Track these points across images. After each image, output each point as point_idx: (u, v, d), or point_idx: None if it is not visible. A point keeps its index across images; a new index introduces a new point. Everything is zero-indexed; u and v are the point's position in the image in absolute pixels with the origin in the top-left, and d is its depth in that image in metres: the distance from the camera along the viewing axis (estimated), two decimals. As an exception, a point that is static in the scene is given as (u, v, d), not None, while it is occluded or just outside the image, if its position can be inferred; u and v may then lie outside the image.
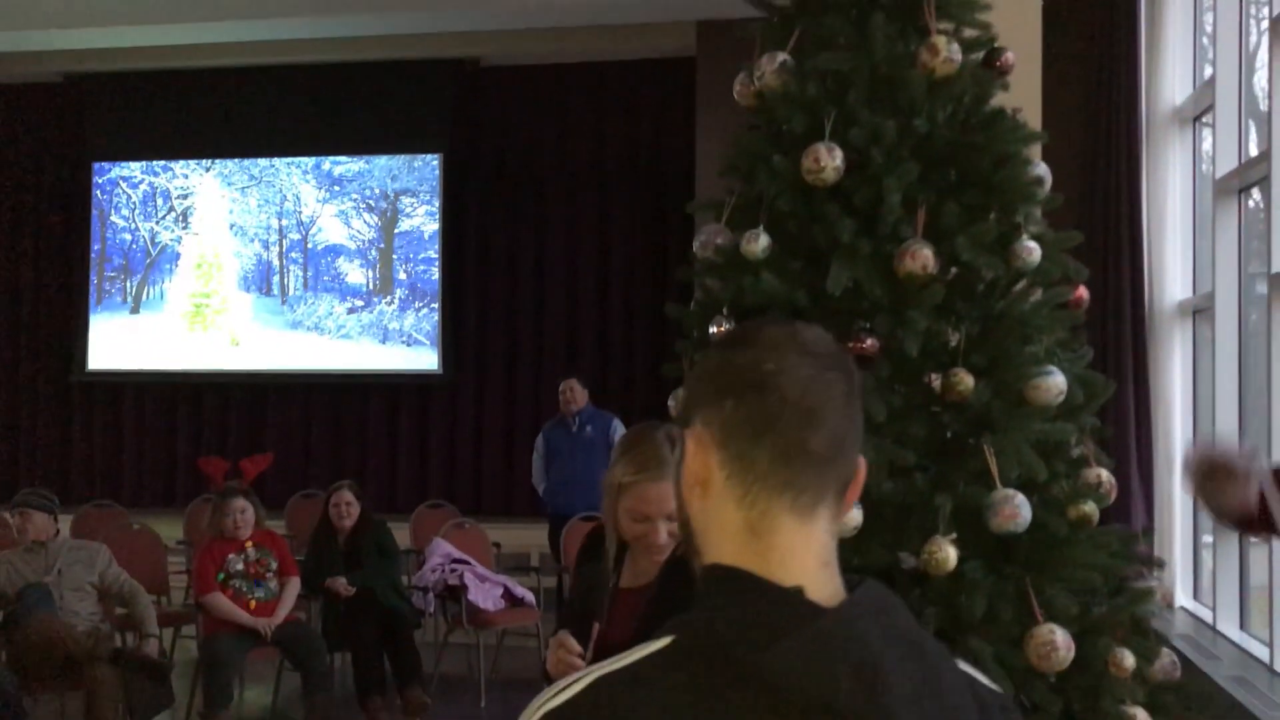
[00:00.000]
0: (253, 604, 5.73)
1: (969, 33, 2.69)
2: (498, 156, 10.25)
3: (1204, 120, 5.97)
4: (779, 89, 2.66)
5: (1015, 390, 2.51)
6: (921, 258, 2.48)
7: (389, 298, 10.47)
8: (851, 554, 2.44)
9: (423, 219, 10.43)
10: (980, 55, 2.70)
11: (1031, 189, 2.62)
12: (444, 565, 6.38)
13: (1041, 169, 2.66)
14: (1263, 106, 5.30)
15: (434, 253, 10.38)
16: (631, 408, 9.88)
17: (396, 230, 10.49)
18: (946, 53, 2.57)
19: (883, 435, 2.45)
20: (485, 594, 6.26)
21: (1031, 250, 2.57)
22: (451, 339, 10.29)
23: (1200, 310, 5.86)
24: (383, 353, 10.41)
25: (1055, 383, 2.52)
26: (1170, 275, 6.02)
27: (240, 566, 5.76)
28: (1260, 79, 5.30)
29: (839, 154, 2.53)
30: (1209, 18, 5.80)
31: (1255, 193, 5.36)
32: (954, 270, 2.62)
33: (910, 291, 2.49)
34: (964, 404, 2.51)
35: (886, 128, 2.54)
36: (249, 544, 5.81)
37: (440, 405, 10.34)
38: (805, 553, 1.03)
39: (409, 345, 10.41)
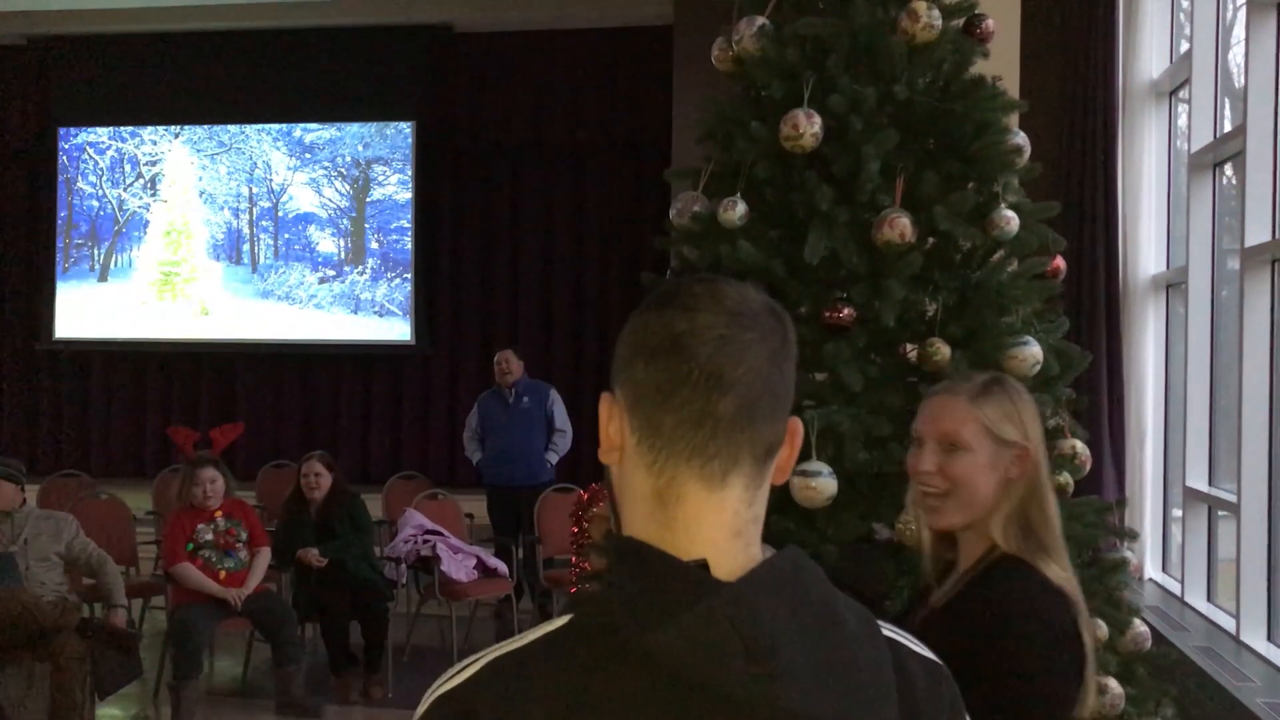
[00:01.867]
0: (222, 574, 5.68)
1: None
2: (472, 124, 10.15)
3: (1180, 95, 5.97)
4: (757, 54, 2.62)
5: (992, 360, 2.49)
6: (899, 226, 2.46)
7: (361, 267, 10.37)
8: (827, 524, 2.43)
9: (395, 188, 10.33)
10: (960, 22, 2.67)
11: (1010, 158, 2.59)
12: (416, 536, 6.35)
13: (1020, 138, 2.64)
14: (1238, 82, 5.30)
15: (407, 222, 10.29)
16: (602, 374, 9.86)
17: (369, 199, 10.38)
18: (927, 18, 2.53)
19: (859, 405, 2.43)
20: (458, 565, 6.23)
21: (1010, 220, 2.55)
22: (424, 309, 10.22)
23: (1174, 284, 5.88)
24: (355, 323, 10.32)
25: (1032, 353, 2.51)
26: (1144, 249, 6.04)
27: (210, 537, 5.71)
28: (1236, 54, 5.30)
29: (818, 121, 2.50)
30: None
31: (1229, 168, 5.37)
32: (931, 240, 2.59)
33: (888, 261, 2.46)
34: (940, 374, 2.49)
35: (866, 94, 2.50)
36: (219, 514, 5.76)
37: (413, 376, 10.28)
38: (714, 523, 0.98)
39: (381, 315, 10.33)
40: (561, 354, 10.00)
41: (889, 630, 1.03)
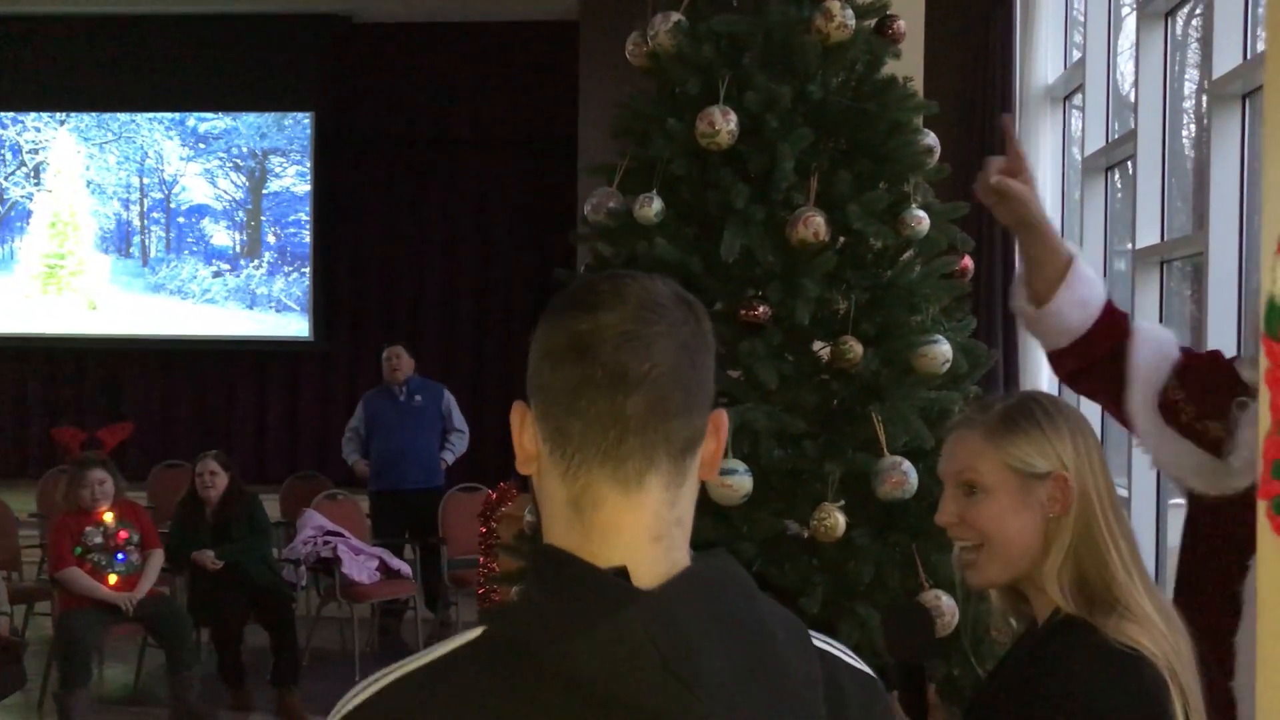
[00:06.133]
0: (112, 578, 5.49)
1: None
2: (373, 116, 9.97)
3: (1073, 101, 6.15)
4: (673, 50, 2.62)
5: (903, 358, 2.53)
6: (814, 225, 2.47)
7: (257, 261, 10.13)
8: (742, 522, 2.43)
9: (293, 179, 10.11)
10: (873, 22, 2.70)
11: (922, 158, 2.63)
12: (316, 538, 6.22)
13: (931, 138, 2.68)
14: (1125, 89, 5.48)
15: (305, 215, 10.08)
16: (512, 373, 9.81)
17: (265, 191, 10.15)
18: (841, 18, 2.55)
19: (773, 403, 2.44)
20: (359, 567, 6.12)
21: (921, 220, 2.58)
22: (323, 305, 10.02)
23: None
24: (250, 318, 10.08)
25: (942, 351, 2.55)
26: (1038, 250, 6.20)
27: (98, 540, 5.52)
28: (1126, 62, 5.47)
29: (734, 118, 2.50)
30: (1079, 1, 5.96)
31: (1124, 170, 5.54)
32: (843, 239, 2.62)
33: (802, 259, 2.48)
34: (853, 372, 2.52)
35: (781, 93, 2.51)
36: (108, 516, 5.57)
37: (311, 373, 10.08)
38: (633, 528, 0.95)
39: (278, 311, 10.11)
40: (466, 351, 9.91)
41: (821, 642, 1.00)
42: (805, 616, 2.29)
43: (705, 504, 2.41)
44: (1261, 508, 0.89)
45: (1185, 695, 1.39)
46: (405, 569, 6.43)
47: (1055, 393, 2.47)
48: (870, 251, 2.60)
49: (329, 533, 6.31)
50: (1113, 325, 2.00)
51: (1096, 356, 1.99)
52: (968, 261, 2.76)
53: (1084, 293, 1.99)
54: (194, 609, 5.76)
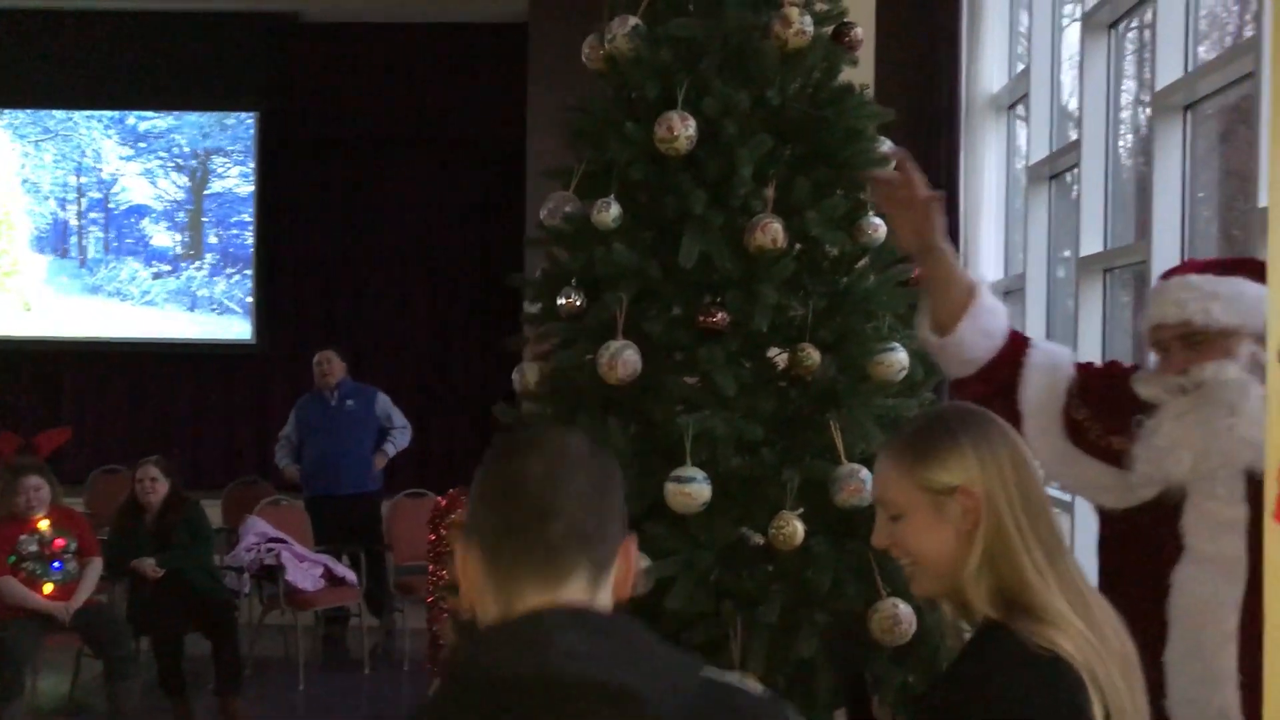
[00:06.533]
0: (48, 587, 5.36)
1: (819, 6, 2.68)
2: (319, 117, 9.82)
3: (1018, 110, 6.22)
4: (630, 54, 2.59)
5: (860, 366, 2.53)
6: (772, 231, 2.46)
7: (198, 263, 9.95)
8: (700, 530, 2.42)
9: (236, 180, 9.95)
10: (829, 29, 2.70)
11: (879, 165, 2.63)
12: (259, 544, 6.12)
13: (887, 146, 2.68)
14: (1069, 99, 5.56)
15: (248, 216, 9.91)
16: (456, 376, 9.73)
17: (207, 191, 9.97)
18: (799, 25, 2.55)
19: (732, 410, 2.43)
20: (304, 574, 6.04)
21: (878, 227, 2.58)
22: (266, 307, 9.87)
23: (1011, 290, 6.12)
24: (191, 321, 9.90)
25: (898, 359, 2.55)
26: (984, 257, 6.26)
27: (34, 548, 5.39)
28: (1071, 72, 5.55)
29: (692, 123, 2.49)
30: (1024, 10, 6.03)
31: (1068, 178, 5.61)
32: (799, 245, 2.61)
33: (761, 266, 2.47)
34: (811, 379, 2.51)
35: (740, 98, 2.51)
36: (43, 523, 5.44)
37: (252, 376, 9.91)
38: (552, 604, 1.16)
39: (220, 313, 9.94)
40: (411, 355, 9.79)
41: (714, 674, 1.19)
42: (766, 629, 2.29)
43: (663, 512, 2.40)
44: (1274, 529, 0.90)
45: (1104, 695, 1.42)
46: (350, 576, 6.35)
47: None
48: (826, 259, 2.60)
49: (272, 539, 6.21)
50: (1015, 354, 2.01)
51: (999, 384, 2.00)
52: (922, 269, 2.76)
53: (988, 323, 2.00)
54: (133, 618, 5.64)
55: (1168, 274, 1.96)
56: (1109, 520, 1.99)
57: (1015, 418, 1.97)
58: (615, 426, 2.44)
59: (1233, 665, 1.79)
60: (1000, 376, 1.99)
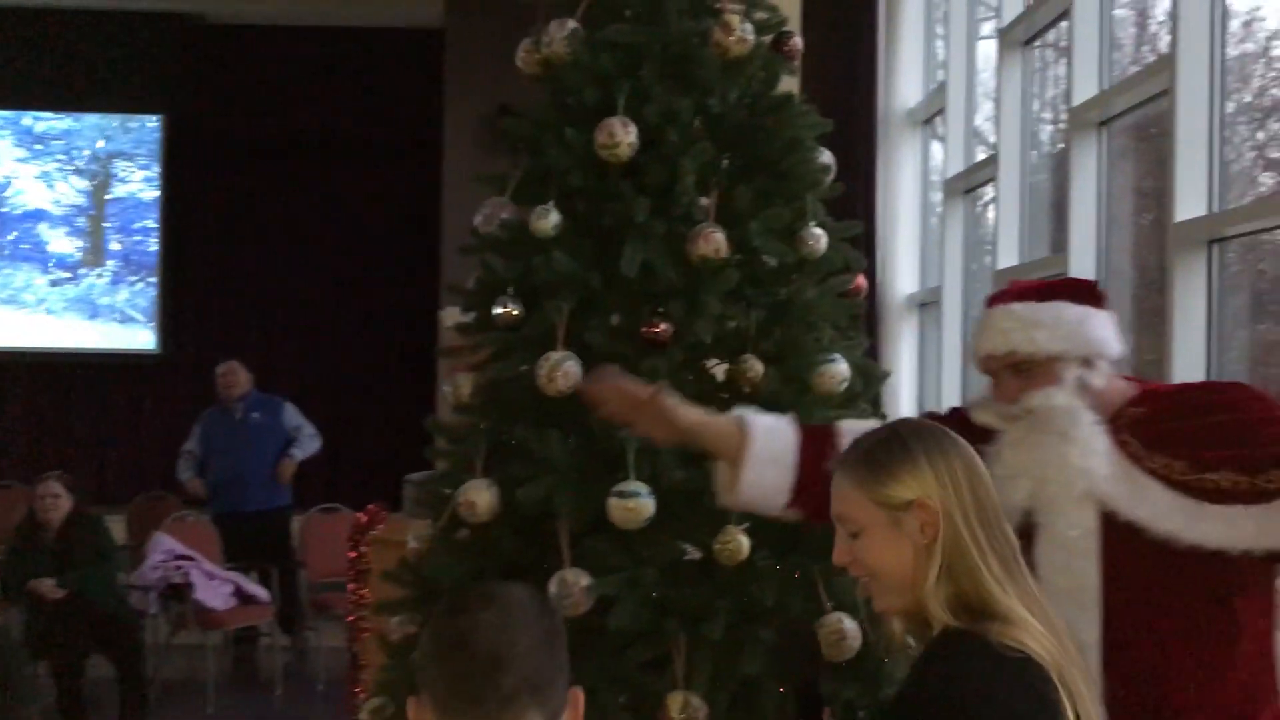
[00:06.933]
0: (-62, 610, 5.10)
1: (758, 15, 2.66)
2: (228, 120, 9.56)
3: (934, 124, 6.31)
4: (569, 59, 2.54)
5: (802, 378, 2.50)
6: (715, 241, 2.43)
7: (100, 270, 9.62)
8: (643, 545, 2.36)
9: (140, 185, 9.64)
10: (769, 38, 2.67)
11: (819, 176, 2.62)
12: (167, 562, 5.90)
13: (827, 156, 2.67)
14: (985, 121, 5.65)
15: (153, 222, 9.62)
16: (369, 388, 9.53)
17: (109, 196, 9.65)
18: (740, 32, 2.52)
19: (675, 423, 2.37)
20: (214, 592, 5.84)
21: (819, 238, 2.56)
22: (171, 315, 9.58)
23: (927, 304, 6.20)
24: (92, 329, 9.57)
25: (840, 370, 2.53)
26: (901, 269, 6.33)
27: (-77, 568, 5.11)
28: (985, 86, 5.64)
29: (634, 130, 2.44)
30: (941, 26, 6.12)
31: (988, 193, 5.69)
32: (739, 255, 2.58)
33: (703, 276, 2.43)
34: (754, 391, 2.48)
35: (682, 106, 2.47)
36: (-66, 542, 5.17)
37: (156, 387, 9.60)
38: None
39: (122, 322, 9.62)
40: (323, 365, 9.58)
41: None
42: (711, 646, 2.24)
43: (606, 528, 2.34)
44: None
45: (1073, 696, 1.44)
46: (262, 594, 6.16)
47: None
48: (767, 269, 2.57)
49: (180, 556, 5.99)
50: (820, 451, 1.96)
51: (822, 487, 1.96)
52: (861, 281, 2.76)
53: (768, 449, 1.96)
54: (31, 641, 5.39)
55: (991, 300, 1.96)
56: None
57: None
58: (555, 439, 2.37)
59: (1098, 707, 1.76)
60: (819, 480, 1.92)
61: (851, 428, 2.05)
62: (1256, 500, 1.73)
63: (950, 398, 5.57)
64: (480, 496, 2.41)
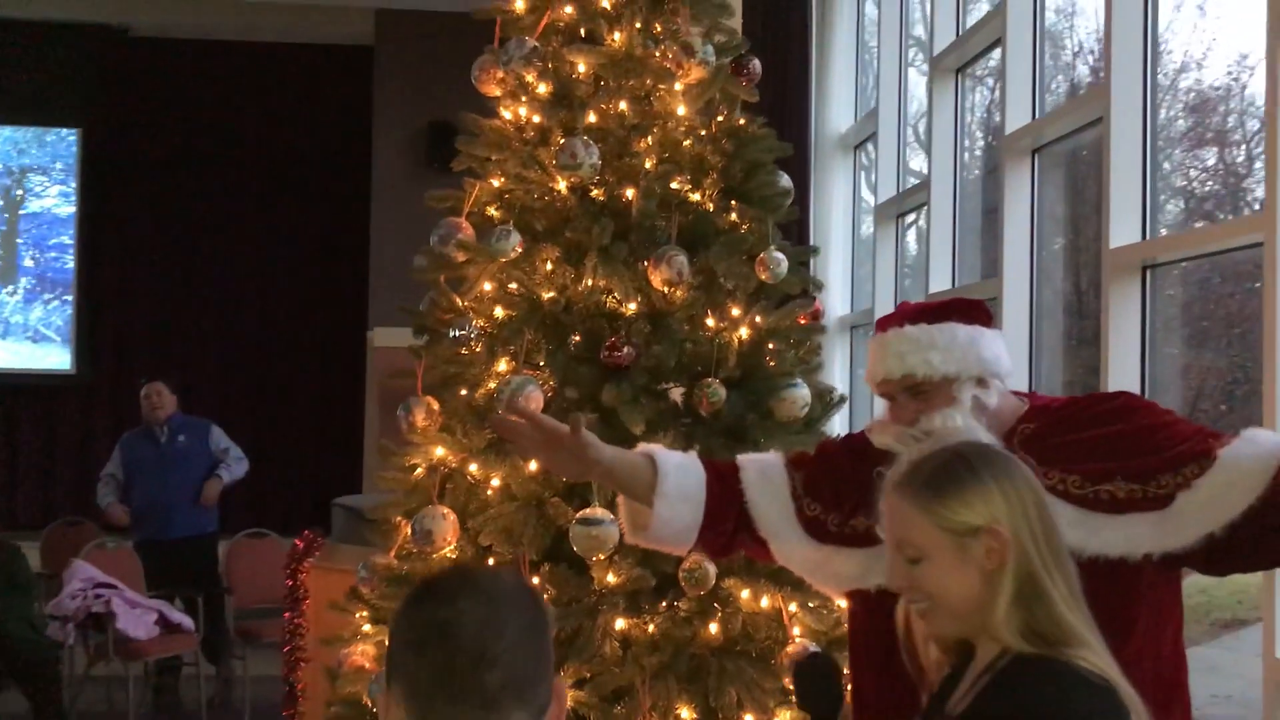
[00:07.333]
0: None
1: (718, 38, 2.65)
2: (150, 134, 9.32)
3: (865, 149, 6.38)
4: (529, 79, 2.50)
5: (764, 403, 2.48)
6: (677, 264, 2.40)
7: (12, 287, 9.30)
8: (605, 573, 2.32)
9: (56, 200, 9.34)
10: (729, 61, 2.66)
11: (779, 200, 2.61)
12: (86, 590, 5.67)
13: (786, 180, 2.66)
14: (910, 141, 5.74)
15: (69, 238, 9.32)
16: (294, 409, 9.32)
17: (22, 212, 9.34)
18: (702, 54, 2.51)
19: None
20: (136, 621, 5.62)
21: (780, 261, 2.55)
22: (87, 335, 9.28)
23: (859, 326, 6.25)
24: (3, 349, 9.23)
25: (801, 395, 2.52)
26: (833, 293, 6.38)
27: None
28: (915, 111, 5.72)
29: (595, 151, 2.41)
30: (871, 53, 6.21)
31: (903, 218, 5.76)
32: (699, 278, 2.56)
33: (665, 299, 2.40)
34: (714, 416, 2.45)
35: (643, 127, 2.44)
36: None
37: (72, 409, 9.29)
38: None
39: (35, 341, 9.30)
40: (247, 386, 9.35)
41: None
42: (675, 677, 2.20)
43: (570, 557, 2.29)
44: None
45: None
46: (186, 622, 5.94)
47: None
48: (728, 293, 2.55)
49: (100, 585, 5.76)
50: (727, 489, 1.93)
51: (731, 525, 1.93)
52: (819, 305, 2.75)
53: (679, 487, 1.91)
54: (-60, 675, 5.15)
55: (883, 323, 1.96)
56: (870, 604, 1.88)
57: (762, 545, 1.93)
58: (515, 466, 2.32)
59: None
60: (726, 518, 1.92)
61: (752, 461, 2.01)
62: (1152, 508, 1.75)
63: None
64: (437, 525, 2.35)
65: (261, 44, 9.27)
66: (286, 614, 3.94)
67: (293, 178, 9.43)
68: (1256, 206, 3.56)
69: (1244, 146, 3.83)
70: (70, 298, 9.30)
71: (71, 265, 9.31)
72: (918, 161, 5.81)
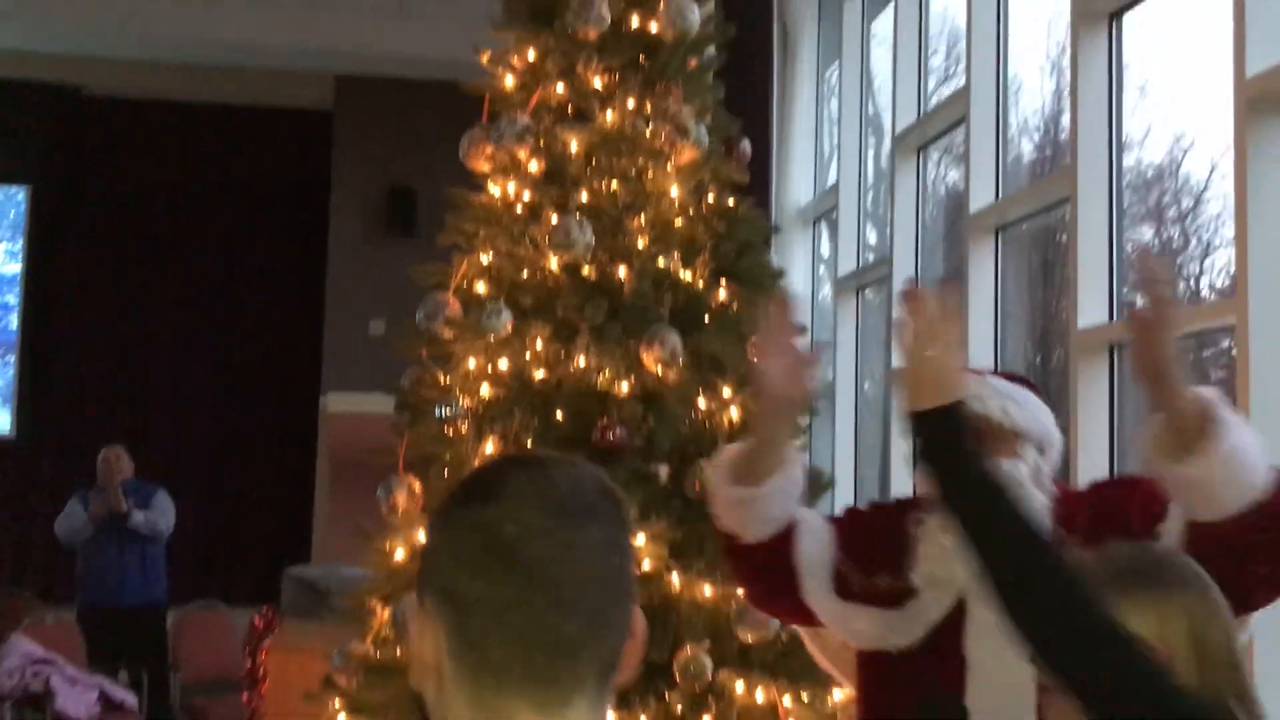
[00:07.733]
0: None
1: (708, 119, 2.65)
2: (104, 194, 9.15)
3: (825, 222, 6.45)
4: (521, 155, 2.48)
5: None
6: (669, 344, 2.37)
7: (-48, 347, 9.04)
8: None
9: (2, 258, 9.13)
10: (720, 140, 2.66)
11: (771, 280, 2.59)
12: (24, 668, 5.45)
13: (776, 261, 2.65)
14: (867, 223, 5.81)
15: (14, 298, 9.09)
16: (245, 477, 9.10)
17: (-34, 270, 9.12)
18: (696, 134, 2.50)
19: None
20: (76, 699, 5.41)
21: (772, 343, 2.52)
22: (30, 398, 9.01)
23: (820, 397, 6.27)
24: (-59, 411, 8.95)
25: (794, 477, 2.48)
26: (796, 365, 6.39)
27: None
28: (875, 188, 5.79)
29: (589, 229, 2.38)
30: (834, 130, 6.30)
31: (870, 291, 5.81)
32: (692, 358, 2.53)
33: (658, 379, 2.36)
34: (701, 498, 2.40)
35: (635, 206, 2.42)
36: None
37: (12, 475, 8.98)
38: None
39: (-26, 403, 9.02)
40: (199, 454, 9.13)
41: None
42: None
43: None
44: None
45: None
46: (130, 700, 5.73)
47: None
48: (720, 372, 2.52)
49: (38, 661, 5.55)
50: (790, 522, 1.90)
51: (779, 553, 1.88)
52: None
53: (792, 484, 1.86)
54: None
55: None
56: (887, 665, 1.86)
57: (794, 576, 1.89)
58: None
59: None
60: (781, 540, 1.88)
61: (805, 514, 2.00)
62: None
63: (844, 490, 5.60)
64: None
65: (218, 106, 9.19)
66: (244, 695, 3.79)
67: (247, 241, 9.32)
68: (1193, 283, 3.63)
69: (1179, 225, 3.91)
70: (12, 359, 9.05)
71: (15, 326, 9.07)
72: (874, 235, 5.87)
